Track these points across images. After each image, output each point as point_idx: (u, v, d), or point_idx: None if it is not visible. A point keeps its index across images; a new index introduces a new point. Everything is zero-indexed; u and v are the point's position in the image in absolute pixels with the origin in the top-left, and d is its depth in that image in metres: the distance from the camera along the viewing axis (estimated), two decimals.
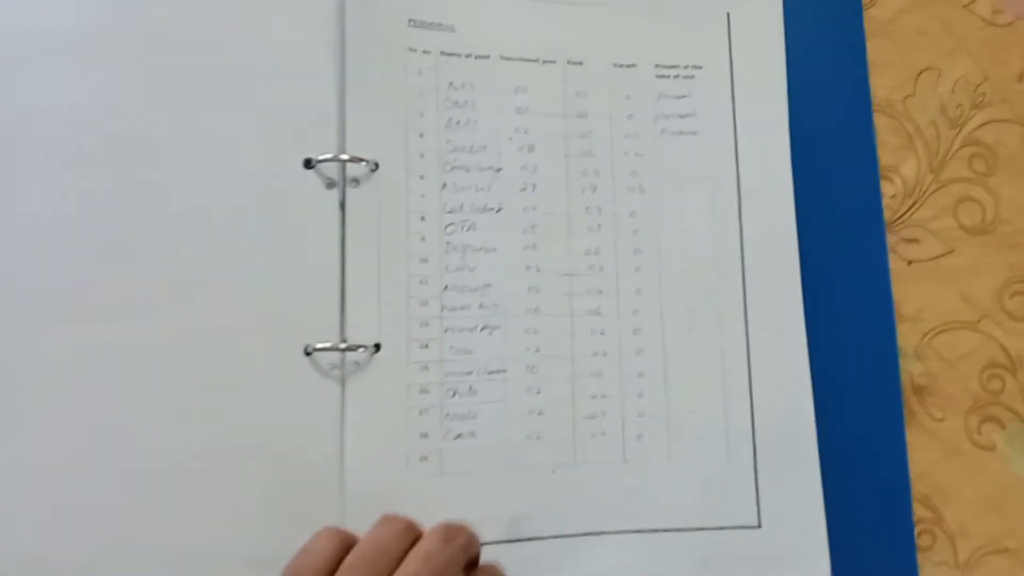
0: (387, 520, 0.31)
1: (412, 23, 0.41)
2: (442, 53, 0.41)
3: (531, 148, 0.42)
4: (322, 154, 0.39)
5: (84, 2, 0.39)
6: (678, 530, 0.39)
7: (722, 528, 0.40)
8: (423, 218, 0.40)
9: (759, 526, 0.40)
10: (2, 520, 0.35)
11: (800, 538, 0.40)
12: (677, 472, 0.40)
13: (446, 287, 0.39)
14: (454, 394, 0.39)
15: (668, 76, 0.44)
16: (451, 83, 0.41)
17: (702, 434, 0.41)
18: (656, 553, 0.39)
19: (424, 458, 0.38)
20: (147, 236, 0.38)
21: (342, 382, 0.38)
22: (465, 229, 0.40)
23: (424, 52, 0.41)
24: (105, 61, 0.38)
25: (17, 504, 0.35)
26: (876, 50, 0.47)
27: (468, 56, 0.42)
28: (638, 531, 0.39)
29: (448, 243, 0.40)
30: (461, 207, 0.40)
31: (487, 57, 0.42)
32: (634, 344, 0.41)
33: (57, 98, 0.38)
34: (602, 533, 0.39)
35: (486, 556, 0.33)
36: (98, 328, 0.36)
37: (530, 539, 0.38)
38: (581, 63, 0.43)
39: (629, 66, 0.44)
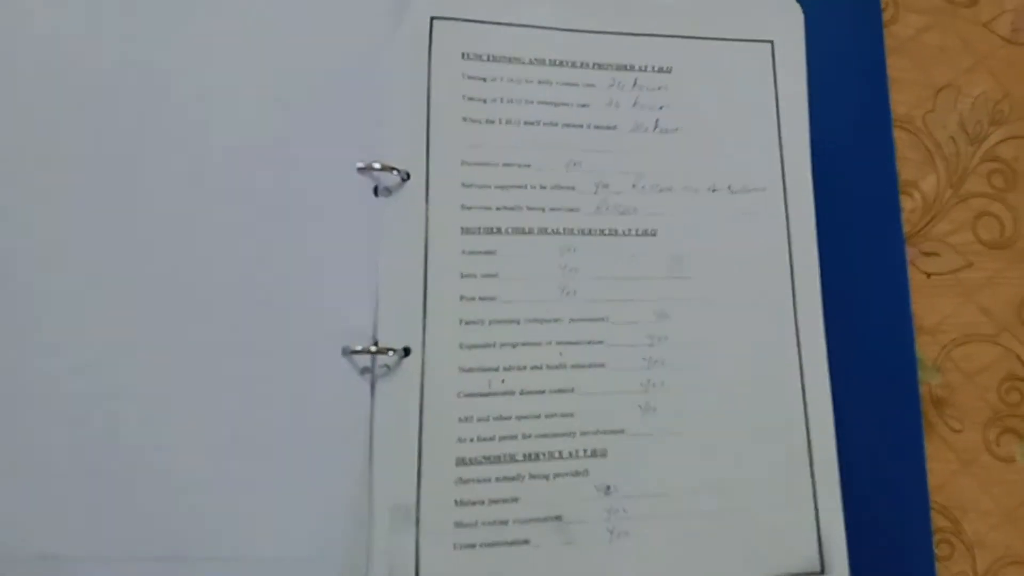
0: None
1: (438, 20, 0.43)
2: (464, 57, 0.42)
3: (563, 156, 0.43)
4: (363, 161, 0.40)
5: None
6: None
7: None
8: (451, 226, 0.41)
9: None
10: (12, 515, 0.35)
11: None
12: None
13: (476, 294, 0.40)
14: (485, 396, 0.39)
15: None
16: (476, 94, 0.42)
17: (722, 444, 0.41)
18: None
19: (460, 459, 0.38)
20: (185, 236, 0.38)
21: (372, 384, 0.38)
22: (494, 235, 0.41)
23: (454, 67, 0.42)
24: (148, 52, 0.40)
25: (35, 501, 0.35)
26: (896, 67, 0.47)
27: (495, 60, 0.43)
28: None
29: (478, 250, 0.41)
30: (489, 214, 0.41)
31: (517, 62, 0.43)
32: (658, 353, 0.41)
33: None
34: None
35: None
36: (129, 324, 0.37)
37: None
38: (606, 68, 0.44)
39: (667, 70, 0.45)
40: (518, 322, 0.40)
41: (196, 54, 0.40)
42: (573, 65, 0.44)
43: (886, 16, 0.48)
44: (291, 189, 0.40)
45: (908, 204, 0.46)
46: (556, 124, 0.43)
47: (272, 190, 0.39)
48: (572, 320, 0.41)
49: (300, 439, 0.37)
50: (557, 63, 0.44)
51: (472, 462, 0.38)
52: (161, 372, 0.37)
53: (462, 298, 0.40)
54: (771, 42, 0.46)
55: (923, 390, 0.44)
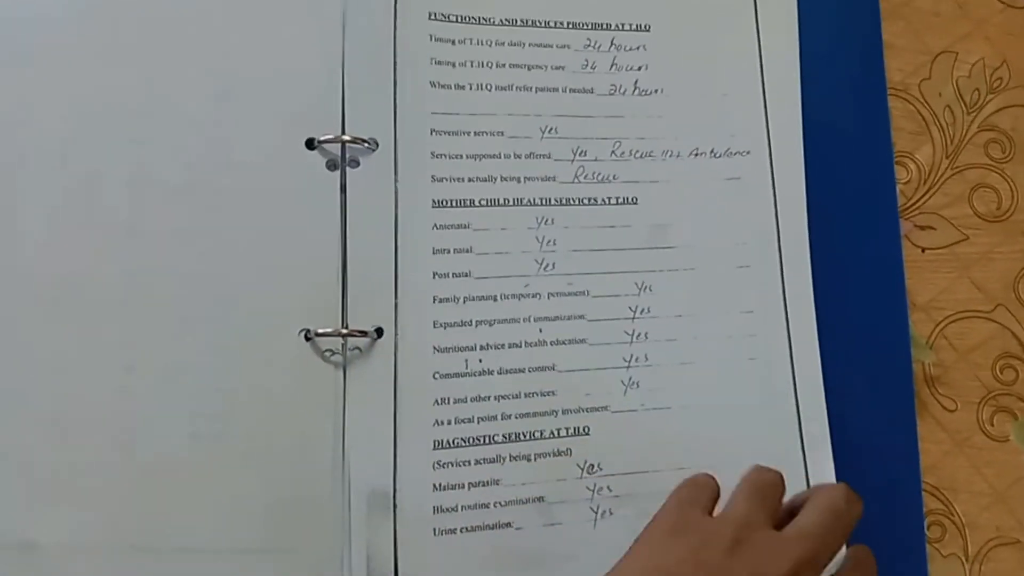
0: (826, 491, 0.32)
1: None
2: (431, 17, 0.41)
3: (538, 122, 0.41)
4: (325, 134, 0.38)
5: None
6: None
7: None
8: (421, 199, 0.39)
9: None
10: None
11: None
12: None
13: (449, 270, 0.39)
14: (462, 376, 0.38)
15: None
16: (447, 59, 0.40)
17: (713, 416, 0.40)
18: None
19: (437, 442, 0.37)
20: (144, 217, 0.37)
21: (343, 368, 0.37)
22: (466, 207, 0.39)
23: (421, 29, 0.40)
24: (109, 43, 0.38)
25: (16, 490, 0.35)
26: (892, 32, 0.46)
27: (464, 21, 0.41)
28: None
29: (450, 224, 0.39)
30: (461, 185, 0.40)
31: (487, 23, 0.41)
32: (641, 326, 0.40)
33: (59, 87, 0.37)
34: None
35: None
36: (94, 312, 0.36)
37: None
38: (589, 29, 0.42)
39: (645, 28, 0.43)
40: (495, 298, 0.39)
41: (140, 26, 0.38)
42: (546, 25, 0.42)
43: None
44: (240, 170, 0.38)
45: (903, 176, 0.45)
46: (530, 88, 0.41)
47: (219, 172, 0.38)
48: (551, 295, 0.40)
49: (269, 426, 0.36)
50: (529, 23, 0.42)
51: (450, 445, 0.37)
52: (120, 362, 0.36)
53: (435, 275, 0.39)
54: None
55: (916, 368, 0.43)
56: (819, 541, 0.29)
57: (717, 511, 0.31)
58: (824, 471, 0.40)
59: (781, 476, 0.32)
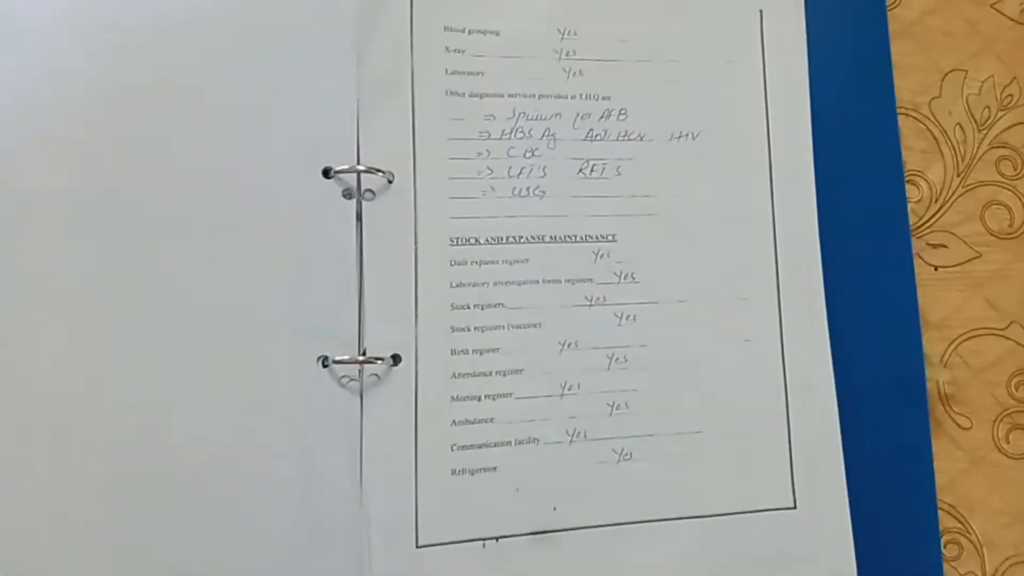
0: None
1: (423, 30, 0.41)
2: (449, 50, 0.41)
3: (547, 150, 0.41)
4: (341, 164, 0.38)
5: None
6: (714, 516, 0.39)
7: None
8: (438, 229, 0.39)
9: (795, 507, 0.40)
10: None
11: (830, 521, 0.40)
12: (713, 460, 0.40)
13: (464, 299, 0.39)
14: (478, 400, 0.38)
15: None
16: (464, 90, 0.41)
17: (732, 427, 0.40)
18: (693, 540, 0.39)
19: (452, 468, 0.38)
20: (161, 244, 0.37)
21: (360, 394, 0.37)
22: (484, 244, 0.40)
23: (438, 61, 0.41)
24: (123, 61, 0.38)
25: (24, 507, 0.35)
26: (901, 51, 0.46)
27: (479, 57, 0.41)
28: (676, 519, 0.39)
29: (463, 254, 0.39)
30: (478, 221, 0.40)
31: (500, 56, 0.41)
32: (667, 337, 0.41)
33: (75, 112, 0.38)
34: (639, 522, 0.39)
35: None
36: (112, 336, 0.36)
37: (563, 530, 0.38)
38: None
39: (653, 62, 0.43)
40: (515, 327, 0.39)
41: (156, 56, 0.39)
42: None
43: None
44: (259, 199, 0.38)
45: (914, 194, 0.45)
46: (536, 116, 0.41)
47: (237, 200, 0.38)
48: (567, 314, 0.40)
49: (285, 453, 0.37)
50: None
51: (469, 473, 0.38)
52: (136, 384, 0.36)
53: (452, 306, 0.39)
54: (760, 11, 0.44)
55: (930, 386, 0.43)
56: None
57: None
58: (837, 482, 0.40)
59: None
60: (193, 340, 0.37)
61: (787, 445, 0.40)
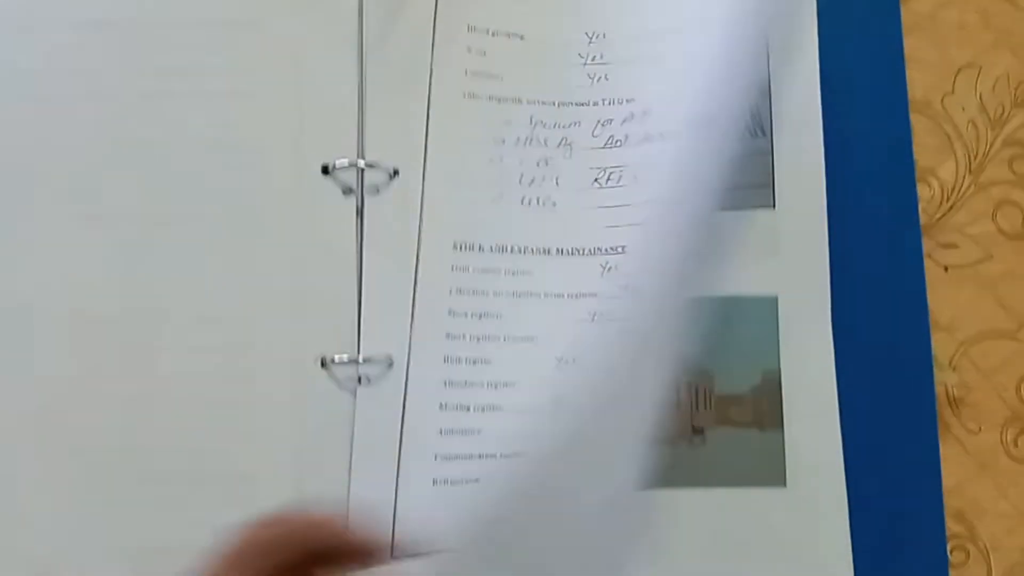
0: None
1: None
2: (471, 51, 0.40)
3: (563, 160, 0.40)
4: (340, 159, 0.38)
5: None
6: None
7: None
8: (442, 232, 0.38)
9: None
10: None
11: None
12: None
13: (462, 306, 0.38)
14: (467, 410, 0.38)
15: None
16: (482, 93, 0.40)
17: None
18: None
19: (438, 475, 0.37)
20: (159, 242, 0.37)
21: (355, 394, 0.37)
22: (488, 252, 0.39)
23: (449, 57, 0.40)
24: (119, 56, 0.38)
25: (27, 506, 0.35)
26: (913, 46, 0.45)
27: (500, 60, 0.40)
28: None
29: (465, 259, 0.39)
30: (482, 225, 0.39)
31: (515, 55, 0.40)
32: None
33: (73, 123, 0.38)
34: None
35: None
36: (110, 334, 0.36)
37: None
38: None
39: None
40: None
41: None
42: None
43: None
44: (254, 196, 0.38)
45: (925, 193, 0.44)
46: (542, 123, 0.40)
47: (233, 197, 0.38)
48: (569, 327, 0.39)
49: (278, 454, 0.36)
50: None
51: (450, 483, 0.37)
52: (134, 384, 0.36)
53: (450, 312, 0.38)
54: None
55: (939, 389, 0.42)
56: None
57: None
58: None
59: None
60: (188, 336, 0.37)
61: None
